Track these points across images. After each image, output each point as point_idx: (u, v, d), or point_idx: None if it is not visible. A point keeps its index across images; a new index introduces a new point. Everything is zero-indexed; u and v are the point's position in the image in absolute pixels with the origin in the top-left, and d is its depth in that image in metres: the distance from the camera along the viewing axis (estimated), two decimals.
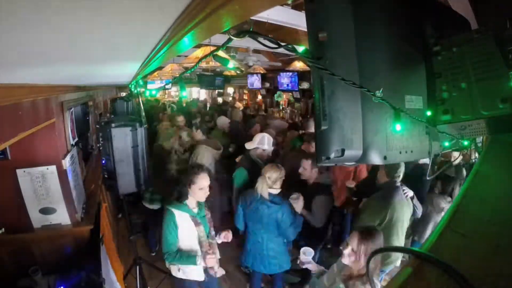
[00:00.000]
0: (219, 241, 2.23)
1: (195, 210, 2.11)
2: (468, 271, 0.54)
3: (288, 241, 2.63)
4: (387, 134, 0.89)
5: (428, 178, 1.63)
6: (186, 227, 2.04)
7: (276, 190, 2.39)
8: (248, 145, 3.02)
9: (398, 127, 0.84)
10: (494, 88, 0.84)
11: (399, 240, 2.39)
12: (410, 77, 0.98)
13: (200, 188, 2.03)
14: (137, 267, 2.63)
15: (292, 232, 2.40)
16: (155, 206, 3.44)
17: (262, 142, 2.96)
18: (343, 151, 0.81)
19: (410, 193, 2.45)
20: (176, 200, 2.07)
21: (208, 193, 2.08)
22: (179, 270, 2.12)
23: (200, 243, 2.07)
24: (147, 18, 0.54)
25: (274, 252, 2.49)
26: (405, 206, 2.38)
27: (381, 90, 0.77)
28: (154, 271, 3.10)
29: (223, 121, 4.79)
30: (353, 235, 1.62)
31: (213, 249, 2.11)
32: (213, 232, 2.20)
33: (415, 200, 2.50)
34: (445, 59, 0.94)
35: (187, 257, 2.03)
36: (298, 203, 2.46)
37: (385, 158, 0.89)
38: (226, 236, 2.19)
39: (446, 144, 1.09)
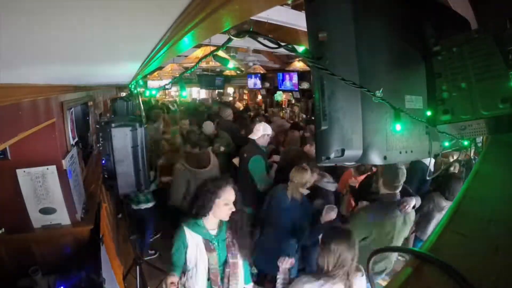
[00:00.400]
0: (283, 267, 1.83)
1: (213, 232, 1.77)
2: (468, 271, 0.54)
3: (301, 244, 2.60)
4: (387, 134, 0.89)
5: (428, 178, 1.63)
6: (196, 251, 1.73)
7: (305, 191, 2.44)
8: (254, 135, 3.12)
9: (398, 127, 0.84)
10: (494, 88, 0.84)
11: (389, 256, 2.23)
12: (410, 77, 0.98)
13: (226, 203, 1.70)
14: (137, 267, 2.63)
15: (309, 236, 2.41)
16: (143, 206, 3.49)
17: (265, 129, 3.13)
18: (343, 151, 0.81)
19: (410, 205, 2.17)
20: (193, 217, 1.75)
21: (234, 209, 1.73)
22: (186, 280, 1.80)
23: (209, 272, 1.74)
24: (147, 18, 0.54)
25: (289, 253, 2.44)
26: (400, 223, 2.15)
27: (381, 90, 0.77)
28: (154, 271, 3.10)
29: (208, 128, 4.49)
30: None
31: (227, 278, 1.77)
32: (231, 260, 1.78)
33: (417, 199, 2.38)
34: (445, 59, 0.94)
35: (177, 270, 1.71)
36: (330, 214, 2.33)
37: (385, 158, 0.89)
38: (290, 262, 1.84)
39: (446, 144, 1.09)
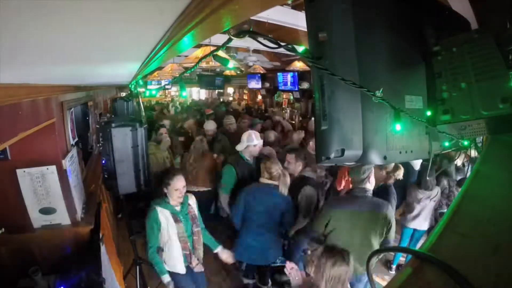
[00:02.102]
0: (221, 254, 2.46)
1: (177, 208, 2.24)
2: (468, 271, 0.54)
3: (285, 230, 2.73)
4: (387, 134, 0.89)
5: (428, 178, 1.63)
6: (166, 224, 2.18)
7: (276, 182, 2.53)
8: (239, 147, 3.13)
9: (398, 127, 0.84)
10: (494, 88, 0.84)
11: (356, 250, 2.09)
12: (410, 77, 0.98)
13: (176, 189, 2.16)
14: (137, 267, 2.63)
15: (291, 222, 2.59)
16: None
17: (250, 140, 3.06)
18: (343, 151, 0.80)
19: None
20: (159, 198, 2.24)
21: (182, 194, 2.21)
22: (165, 262, 2.27)
23: (179, 239, 2.21)
24: (147, 18, 0.54)
25: (272, 242, 2.61)
26: (367, 218, 2.11)
27: (381, 90, 0.77)
28: (154, 271, 3.09)
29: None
30: (319, 249, 1.60)
31: (195, 244, 2.28)
32: (196, 229, 2.31)
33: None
34: (445, 59, 0.94)
35: (159, 266, 2.23)
36: None
37: (385, 158, 0.89)
38: (228, 259, 2.48)
39: (446, 144, 1.09)
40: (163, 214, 2.19)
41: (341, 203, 2.26)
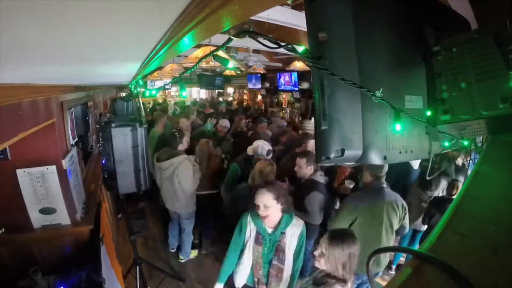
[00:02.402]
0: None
1: (269, 230, 1.91)
2: (468, 271, 0.54)
3: None
4: (387, 134, 0.89)
5: (428, 178, 1.63)
6: (248, 237, 1.93)
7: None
8: (249, 150, 3.21)
9: (398, 127, 0.84)
10: (494, 88, 0.84)
11: (382, 241, 2.29)
12: (410, 77, 0.98)
13: (256, 204, 1.85)
14: (137, 267, 2.63)
15: None
16: None
17: (256, 151, 3.14)
18: (343, 151, 0.81)
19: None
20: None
21: (267, 214, 1.84)
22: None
23: (253, 261, 1.93)
24: (147, 18, 0.54)
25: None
26: (388, 209, 2.25)
27: (381, 90, 0.77)
28: (154, 271, 3.10)
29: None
30: (323, 238, 1.56)
31: (270, 277, 1.90)
32: (276, 262, 1.90)
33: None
34: (445, 59, 0.94)
35: (225, 268, 2.00)
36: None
37: (385, 158, 0.89)
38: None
39: (446, 144, 1.09)
40: (249, 226, 1.94)
41: (364, 198, 2.31)
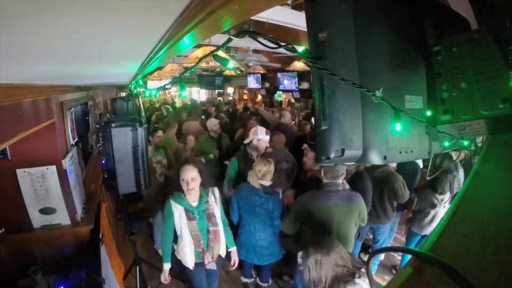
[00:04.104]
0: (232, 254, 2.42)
1: (194, 204, 2.16)
2: (468, 271, 0.54)
3: (280, 230, 2.68)
4: (387, 134, 0.89)
5: (428, 178, 1.63)
6: (179, 218, 2.13)
7: (266, 182, 2.53)
8: (246, 140, 3.18)
9: (398, 127, 0.84)
10: (494, 88, 0.84)
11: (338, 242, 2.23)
12: (410, 77, 0.98)
13: (182, 179, 2.09)
14: (137, 267, 2.63)
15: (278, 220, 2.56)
16: None
17: (255, 133, 3.10)
18: (343, 151, 0.81)
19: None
20: (175, 194, 2.16)
21: (193, 186, 2.10)
22: (177, 252, 2.24)
23: (192, 236, 2.14)
24: (147, 18, 0.54)
25: (267, 242, 2.59)
26: (342, 211, 2.16)
27: (381, 90, 0.77)
28: (154, 271, 3.09)
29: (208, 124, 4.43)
30: (307, 253, 1.55)
31: (210, 242, 2.18)
32: (212, 228, 2.19)
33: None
34: (445, 59, 0.94)
35: (166, 252, 2.23)
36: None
37: (385, 158, 0.89)
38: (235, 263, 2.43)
39: (446, 144, 1.09)
40: (176, 209, 2.13)
41: (315, 200, 2.21)
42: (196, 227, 2.14)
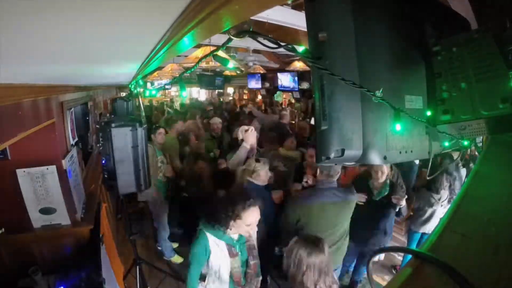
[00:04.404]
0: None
1: (235, 237, 1.81)
2: (468, 271, 0.54)
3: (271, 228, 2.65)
4: (387, 134, 0.89)
5: (428, 178, 1.62)
6: (219, 256, 1.76)
7: (257, 181, 2.47)
8: (238, 138, 3.16)
9: (398, 127, 0.84)
10: (494, 88, 0.84)
11: (333, 240, 2.26)
12: (410, 77, 0.98)
13: (247, 224, 1.71)
14: (137, 267, 2.63)
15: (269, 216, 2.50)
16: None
17: (241, 130, 3.07)
18: (343, 151, 0.81)
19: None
20: (212, 225, 1.76)
21: (256, 229, 1.79)
22: None
23: (233, 274, 1.80)
24: (147, 18, 0.54)
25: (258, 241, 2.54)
26: (337, 208, 2.21)
27: (381, 90, 0.77)
28: (154, 271, 3.10)
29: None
30: (291, 245, 1.53)
31: (248, 277, 1.85)
32: (252, 261, 1.86)
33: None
34: (445, 59, 0.94)
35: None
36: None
37: (385, 158, 0.89)
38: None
39: (446, 144, 1.09)
40: (215, 243, 1.75)
41: (312, 197, 2.24)
42: (239, 264, 1.80)
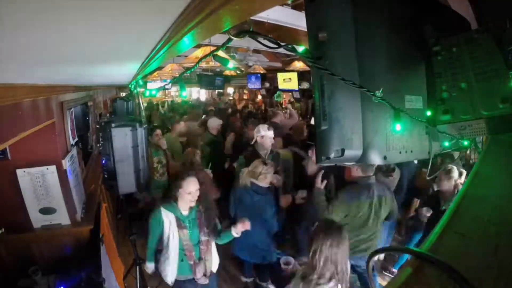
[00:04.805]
0: (235, 233, 2.16)
1: (185, 212, 2.07)
2: (468, 271, 0.54)
3: (273, 230, 2.67)
4: (387, 134, 0.89)
5: (428, 178, 1.62)
6: (169, 228, 2.04)
7: (260, 183, 2.50)
8: (252, 141, 3.22)
9: (398, 127, 0.84)
10: (494, 88, 0.84)
11: (371, 234, 2.38)
12: (410, 77, 0.98)
13: (188, 193, 2.01)
14: (137, 267, 2.62)
15: (276, 223, 2.58)
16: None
17: (257, 131, 3.12)
18: (343, 151, 0.81)
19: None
20: (168, 201, 2.08)
21: (196, 198, 2.04)
22: (159, 265, 2.18)
23: (183, 246, 2.04)
24: (147, 18, 0.54)
25: (257, 240, 2.59)
26: (375, 205, 2.33)
27: (381, 90, 0.77)
28: (154, 271, 3.09)
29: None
30: (315, 229, 1.56)
31: (202, 253, 2.08)
32: (204, 237, 2.10)
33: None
34: (445, 59, 0.94)
35: (150, 255, 2.18)
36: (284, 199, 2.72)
37: (385, 158, 0.89)
38: (244, 226, 2.16)
39: (446, 144, 1.09)
40: (167, 217, 2.03)
41: (353, 195, 2.33)
42: (187, 237, 2.05)
